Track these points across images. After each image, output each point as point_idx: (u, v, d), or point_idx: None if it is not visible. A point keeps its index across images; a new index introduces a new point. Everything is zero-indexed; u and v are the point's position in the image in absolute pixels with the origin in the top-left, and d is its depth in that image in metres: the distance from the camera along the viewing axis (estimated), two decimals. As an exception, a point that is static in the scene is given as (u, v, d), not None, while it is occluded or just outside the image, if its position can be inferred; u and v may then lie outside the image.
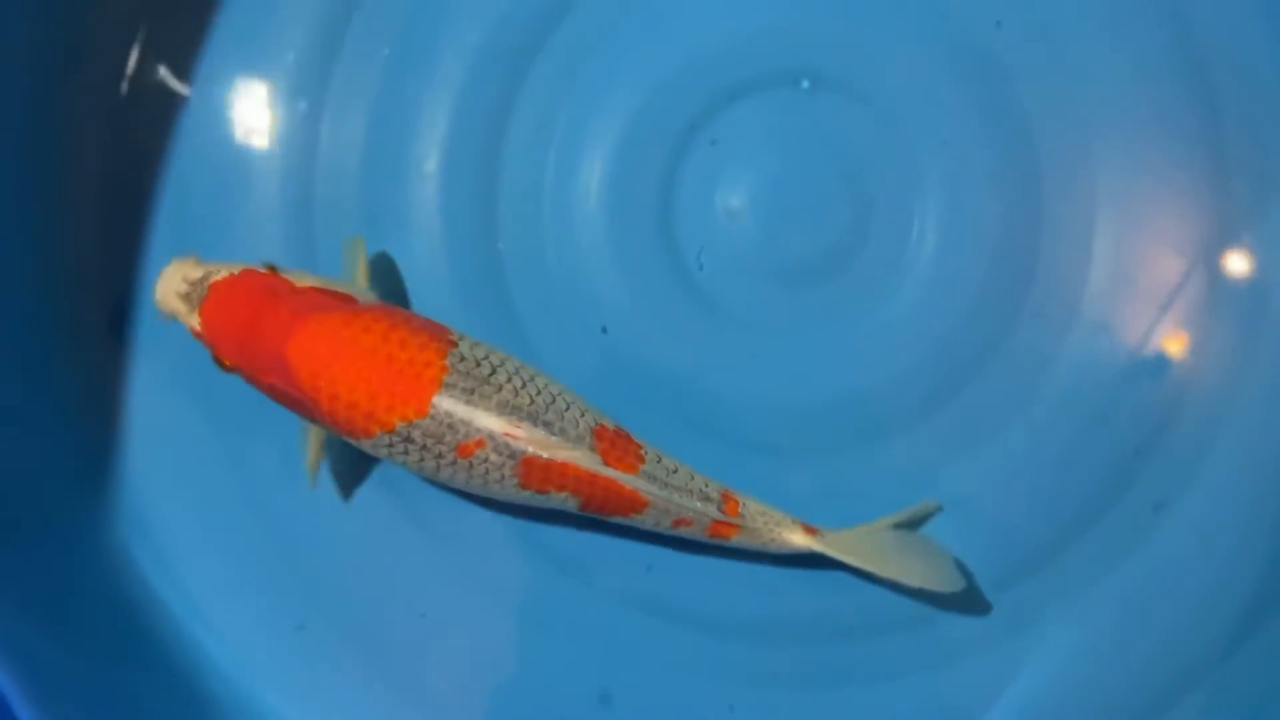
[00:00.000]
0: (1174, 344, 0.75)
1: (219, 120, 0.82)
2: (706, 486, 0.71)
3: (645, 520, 0.71)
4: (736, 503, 0.72)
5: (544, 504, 0.71)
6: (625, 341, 0.79)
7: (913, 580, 0.71)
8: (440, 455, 0.68)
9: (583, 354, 0.79)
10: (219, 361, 0.71)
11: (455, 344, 0.69)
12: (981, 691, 0.75)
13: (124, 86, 0.82)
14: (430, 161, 0.80)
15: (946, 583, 0.72)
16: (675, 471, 0.71)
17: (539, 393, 0.69)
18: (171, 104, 0.82)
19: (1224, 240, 0.75)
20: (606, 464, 0.69)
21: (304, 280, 0.71)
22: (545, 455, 0.68)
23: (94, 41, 0.81)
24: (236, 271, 0.71)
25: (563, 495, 0.70)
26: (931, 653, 0.76)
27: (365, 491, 0.80)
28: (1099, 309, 0.76)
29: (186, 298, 0.71)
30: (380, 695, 0.79)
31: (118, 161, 0.81)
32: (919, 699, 0.76)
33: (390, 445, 0.69)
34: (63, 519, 0.79)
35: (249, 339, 0.69)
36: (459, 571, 0.79)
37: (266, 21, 0.81)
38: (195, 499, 0.81)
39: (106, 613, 0.78)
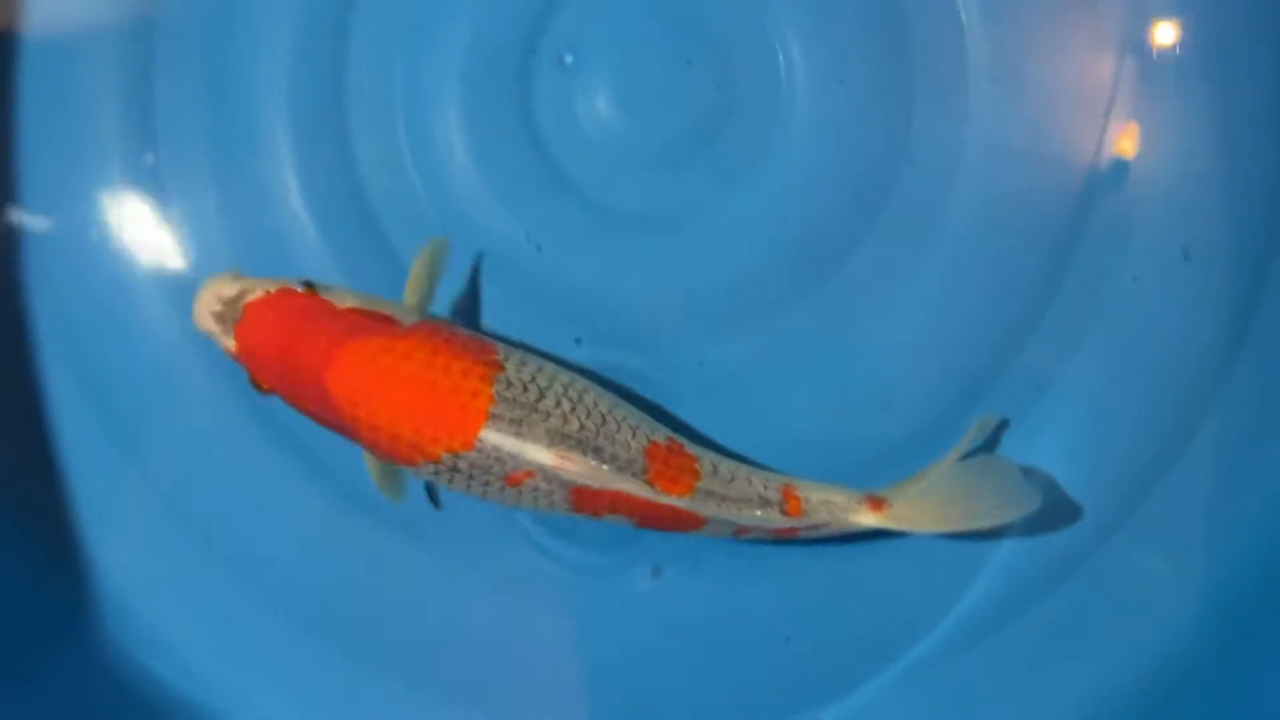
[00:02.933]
0: (1082, 137, 0.74)
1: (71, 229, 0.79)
2: (766, 488, 0.68)
3: (706, 533, 0.69)
4: (798, 500, 0.69)
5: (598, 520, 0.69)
6: (529, 274, 0.77)
7: (988, 522, 0.69)
8: (488, 484, 0.66)
9: (488, 300, 0.77)
10: (256, 385, 0.68)
11: (501, 366, 0.66)
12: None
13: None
14: (283, 172, 0.77)
15: (1022, 506, 0.69)
16: (733, 480, 0.68)
17: (589, 414, 0.66)
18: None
19: (1122, 30, 0.74)
20: (661, 490, 0.66)
21: (345, 301, 0.67)
22: (596, 486, 0.66)
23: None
24: (273, 290, 0.67)
25: (617, 517, 0.68)
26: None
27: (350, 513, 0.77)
28: (987, 119, 0.75)
29: (220, 318, 0.67)
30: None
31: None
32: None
33: (435, 474, 0.66)
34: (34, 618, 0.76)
35: (285, 365, 0.66)
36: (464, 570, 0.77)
37: (72, 92, 0.78)
38: (169, 567, 0.77)
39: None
